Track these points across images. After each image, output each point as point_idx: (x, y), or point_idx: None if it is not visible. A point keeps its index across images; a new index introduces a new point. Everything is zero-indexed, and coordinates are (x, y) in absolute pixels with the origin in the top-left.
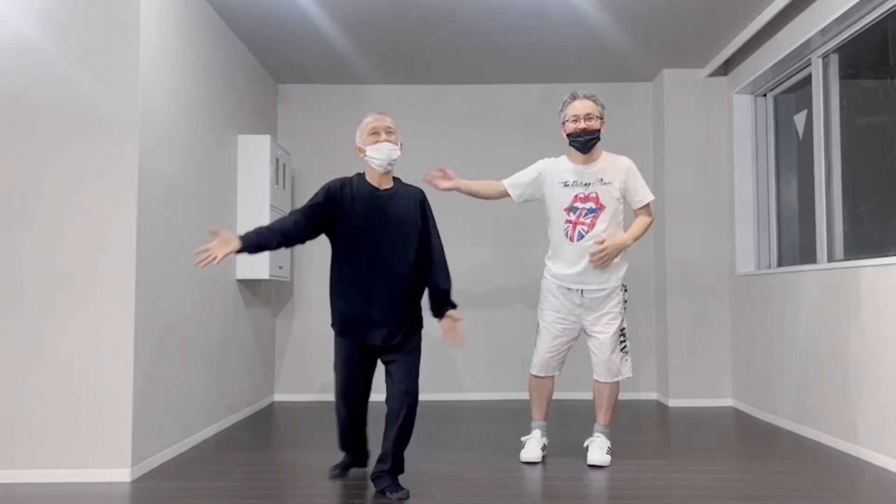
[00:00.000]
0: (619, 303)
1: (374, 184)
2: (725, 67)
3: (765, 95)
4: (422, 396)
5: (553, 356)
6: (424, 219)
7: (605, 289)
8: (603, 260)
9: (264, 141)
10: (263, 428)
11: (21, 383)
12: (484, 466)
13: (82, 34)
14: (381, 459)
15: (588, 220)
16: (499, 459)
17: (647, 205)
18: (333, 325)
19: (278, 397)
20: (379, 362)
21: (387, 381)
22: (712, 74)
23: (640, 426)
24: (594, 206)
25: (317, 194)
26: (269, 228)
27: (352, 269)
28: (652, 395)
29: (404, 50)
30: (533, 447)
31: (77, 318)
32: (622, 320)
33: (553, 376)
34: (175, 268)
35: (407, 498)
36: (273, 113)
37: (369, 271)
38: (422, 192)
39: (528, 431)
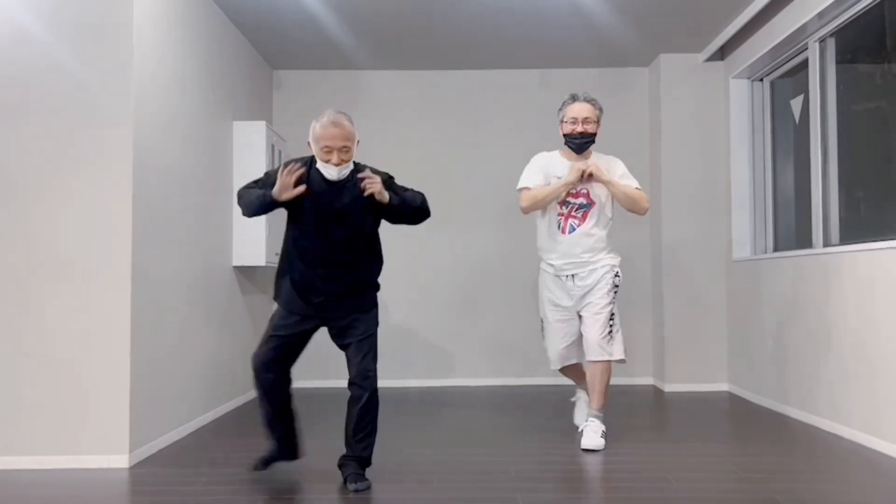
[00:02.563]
0: (607, 284)
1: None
2: (722, 52)
3: (761, 80)
4: (419, 382)
5: (565, 347)
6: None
7: (595, 269)
8: (590, 173)
9: (260, 127)
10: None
11: (18, 370)
12: (481, 451)
13: (76, 20)
14: (346, 445)
15: (579, 214)
16: (496, 444)
17: (637, 189)
18: (276, 297)
19: None
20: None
21: (348, 367)
22: (709, 59)
23: (637, 411)
24: (585, 202)
25: (270, 173)
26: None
27: (299, 251)
28: (648, 380)
29: (400, 35)
30: (581, 407)
31: (73, 304)
32: (612, 303)
33: (577, 362)
34: (171, 254)
35: (366, 489)
36: (268, 99)
37: (314, 257)
38: (383, 176)
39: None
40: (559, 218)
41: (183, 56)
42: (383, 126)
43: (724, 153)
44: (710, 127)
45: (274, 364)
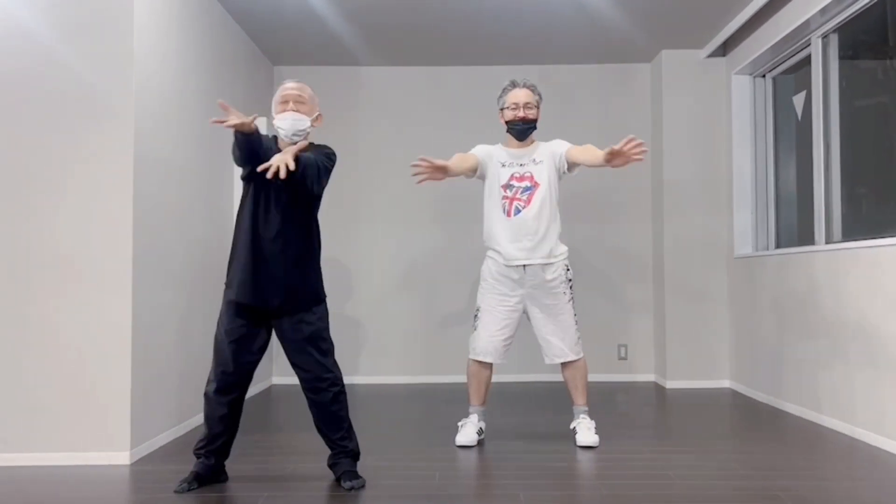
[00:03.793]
0: (563, 281)
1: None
2: (724, 48)
3: (764, 76)
4: (412, 378)
5: (500, 341)
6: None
7: (548, 267)
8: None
9: (260, 123)
10: (261, 411)
11: (20, 367)
12: (481, 448)
13: (76, 16)
14: (330, 445)
15: (524, 197)
16: (496, 441)
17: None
18: (226, 286)
19: (276, 380)
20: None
21: (297, 373)
22: (711, 55)
23: (638, 408)
24: (529, 184)
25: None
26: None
27: (244, 230)
28: (650, 377)
29: (401, 31)
30: (468, 431)
31: (74, 301)
32: (572, 299)
33: (491, 364)
34: (172, 250)
35: (361, 487)
36: (269, 95)
37: (260, 233)
38: (324, 145)
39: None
40: (504, 201)
41: (184, 52)
42: (383, 122)
43: (725, 149)
44: (711, 123)
45: (233, 388)
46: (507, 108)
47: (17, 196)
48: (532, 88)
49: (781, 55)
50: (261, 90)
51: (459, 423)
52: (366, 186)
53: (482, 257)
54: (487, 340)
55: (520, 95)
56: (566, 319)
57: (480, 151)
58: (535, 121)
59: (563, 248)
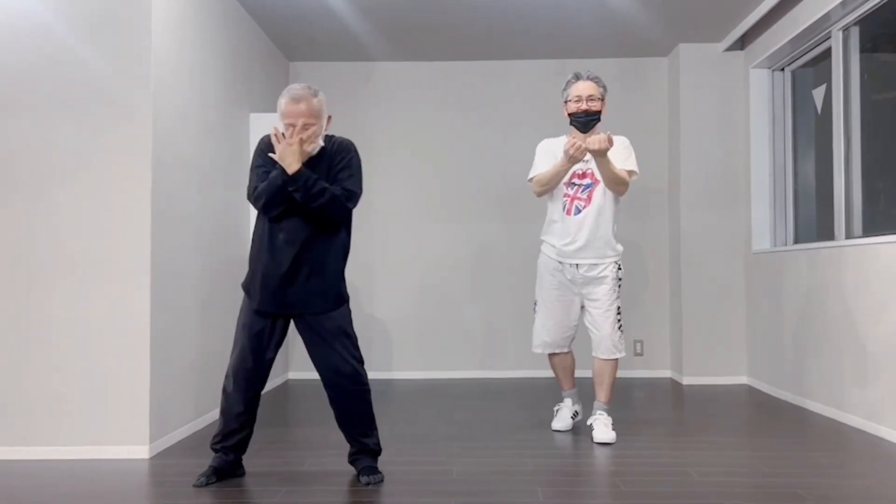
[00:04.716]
0: (613, 279)
1: None
2: (742, 42)
3: (782, 70)
4: (432, 374)
5: (561, 333)
6: (332, 169)
7: (600, 264)
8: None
9: (276, 119)
10: (278, 405)
11: (40, 362)
12: (496, 444)
13: (94, 13)
14: (350, 441)
15: (585, 196)
16: (512, 437)
17: (629, 172)
18: (244, 285)
19: (293, 375)
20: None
21: (317, 368)
22: (729, 49)
23: (655, 404)
24: (590, 182)
25: (258, 158)
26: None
27: (267, 235)
28: (666, 373)
29: (416, 26)
30: (564, 416)
31: (94, 297)
32: (618, 297)
33: (568, 351)
34: (190, 246)
35: (379, 482)
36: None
37: (279, 240)
38: (343, 145)
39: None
40: (565, 199)
41: (201, 48)
42: (399, 117)
43: (743, 144)
44: (729, 117)
45: (251, 384)
46: (571, 100)
47: (36, 194)
48: (596, 80)
49: (801, 48)
50: (276, 87)
51: (555, 408)
52: (380, 183)
53: (498, 253)
54: (546, 334)
55: (583, 88)
56: (609, 317)
57: (545, 156)
58: (598, 113)
59: (619, 248)
